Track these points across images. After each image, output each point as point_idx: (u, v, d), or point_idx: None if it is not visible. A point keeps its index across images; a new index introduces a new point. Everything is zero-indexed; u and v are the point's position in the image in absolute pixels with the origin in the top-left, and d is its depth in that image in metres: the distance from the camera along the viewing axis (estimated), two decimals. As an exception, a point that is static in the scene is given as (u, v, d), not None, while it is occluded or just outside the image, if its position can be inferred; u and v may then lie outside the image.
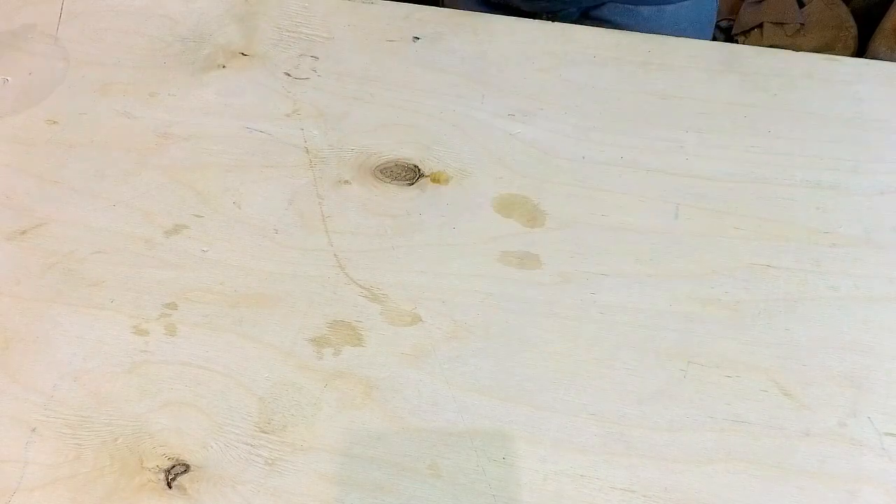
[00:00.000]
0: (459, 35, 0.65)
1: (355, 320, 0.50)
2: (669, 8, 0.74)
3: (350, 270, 0.52)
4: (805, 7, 1.36)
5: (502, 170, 0.56)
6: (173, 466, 0.45)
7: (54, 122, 0.61)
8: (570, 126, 0.59)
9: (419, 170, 0.57)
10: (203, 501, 0.44)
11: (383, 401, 0.47)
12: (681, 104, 0.59)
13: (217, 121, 0.61)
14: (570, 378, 0.47)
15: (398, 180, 0.56)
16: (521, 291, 0.51)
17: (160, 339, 0.50)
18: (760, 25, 1.36)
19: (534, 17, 0.73)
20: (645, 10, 0.74)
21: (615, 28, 0.65)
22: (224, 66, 0.64)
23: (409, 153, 0.58)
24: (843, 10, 1.36)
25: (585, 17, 0.76)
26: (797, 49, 0.63)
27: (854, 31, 1.34)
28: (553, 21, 0.66)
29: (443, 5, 0.79)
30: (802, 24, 1.33)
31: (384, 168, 0.57)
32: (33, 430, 0.47)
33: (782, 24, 1.33)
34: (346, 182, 0.56)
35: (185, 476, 0.45)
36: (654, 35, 0.63)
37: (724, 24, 1.46)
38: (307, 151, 0.58)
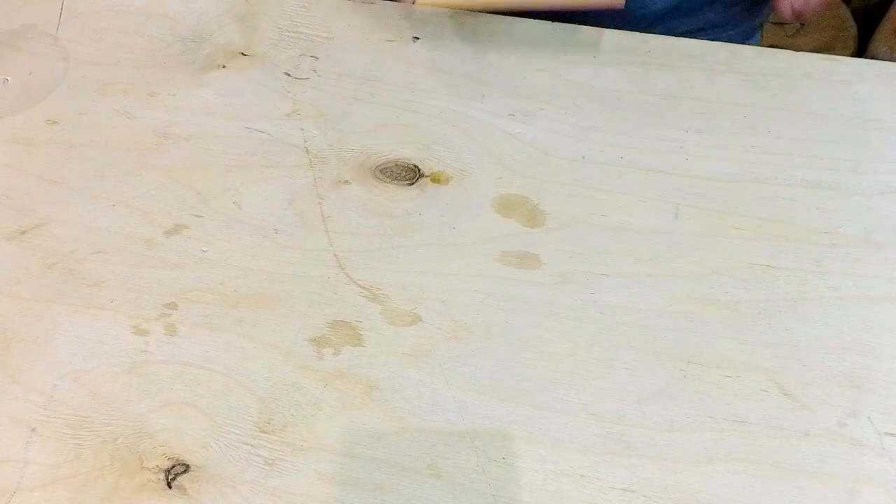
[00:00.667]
0: (459, 35, 0.65)
1: (355, 320, 0.50)
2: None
3: (350, 270, 0.52)
4: (805, 7, 1.36)
5: (502, 170, 0.56)
6: (173, 466, 0.45)
7: (54, 122, 0.61)
8: (570, 126, 0.59)
9: (419, 170, 0.57)
10: (203, 501, 0.44)
11: (383, 401, 0.47)
12: (681, 104, 0.59)
13: (217, 121, 0.61)
14: (570, 378, 0.47)
15: (398, 180, 0.56)
16: (521, 291, 0.51)
17: (160, 339, 0.50)
18: (761, 25, 1.35)
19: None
20: None
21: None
22: (224, 66, 0.64)
23: (409, 153, 0.58)
24: (843, 10, 1.36)
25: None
26: (797, 49, 0.63)
27: (854, 31, 1.34)
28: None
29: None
30: (802, 24, 1.33)
31: (384, 168, 0.57)
32: (33, 430, 0.47)
33: (782, 24, 1.33)
34: (346, 182, 0.56)
35: (185, 476, 0.45)
36: (654, 35, 0.63)
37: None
38: (307, 151, 0.58)
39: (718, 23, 0.76)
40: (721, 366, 0.47)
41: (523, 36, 0.64)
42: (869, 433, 0.45)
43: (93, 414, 0.47)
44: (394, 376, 0.48)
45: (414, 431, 0.46)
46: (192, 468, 0.45)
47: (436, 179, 0.56)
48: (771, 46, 0.63)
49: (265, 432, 0.46)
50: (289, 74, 0.63)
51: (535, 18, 0.66)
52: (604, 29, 0.64)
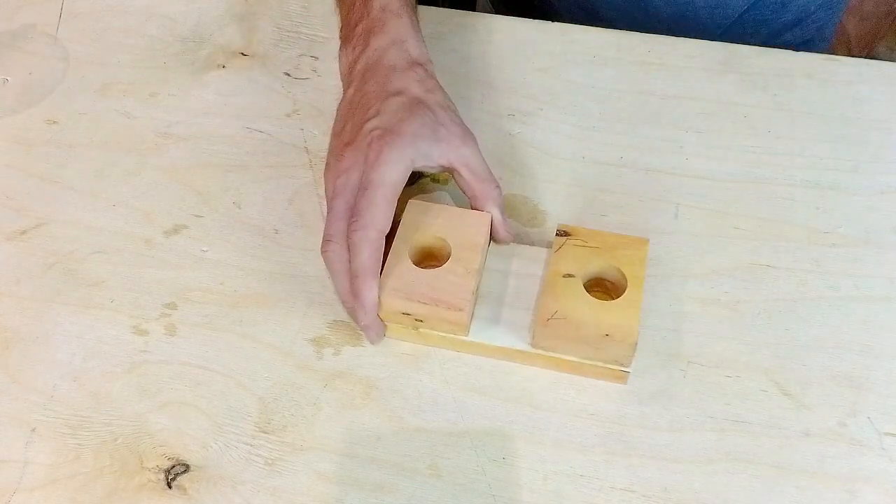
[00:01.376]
0: (459, 35, 0.65)
1: (355, 320, 0.50)
2: None
3: (350, 270, 0.52)
4: (805, 7, 1.35)
5: (502, 170, 0.56)
6: (173, 466, 0.45)
7: (54, 122, 0.61)
8: (570, 126, 0.59)
9: (419, 170, 0.57)
10: (203, 501, 0.44)
11: (383, 401, 0.47)
12: (681, 104, 0.59)
13: (217, 121, 0.61)
14: (570, 378, 0.47)
15: (398, 180, 0.56)
16: (521, 291, 0.51)
17: (160, 339, 0.50)
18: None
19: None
20: None
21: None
22: (224, 66, 0.64)
23: (409, 153, 0.58)
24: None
25: None
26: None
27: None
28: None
29: (442, 5, 0.79)
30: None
31: (384, 168, 0.57)
32: (33, 430, 0.47)
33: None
34: (346, 182, 0.56)
35: (185, 476, 0.45)
36: (654, 35, 0.63)
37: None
38: (307, 151, 0.58)
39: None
40: (721, 366, 0.47)
41: (523, 36, 0.64)
42: (869, 433, 0.45)
43: (93, 414, 0.47)
44: (394, 376, 0.48)
45: (414, 431, 0.46)
46: (192, 468, 0.45)
47: (436, 179, 0.56)
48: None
49: (265, 432, 0.46)
50: (289, 74, 0.63)
51: (534, 18, 0.66)
52: (604, 29, 0.64)
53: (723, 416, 0.45)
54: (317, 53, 0.64)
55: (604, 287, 0.48)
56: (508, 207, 0.54)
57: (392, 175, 0.47)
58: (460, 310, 0.45)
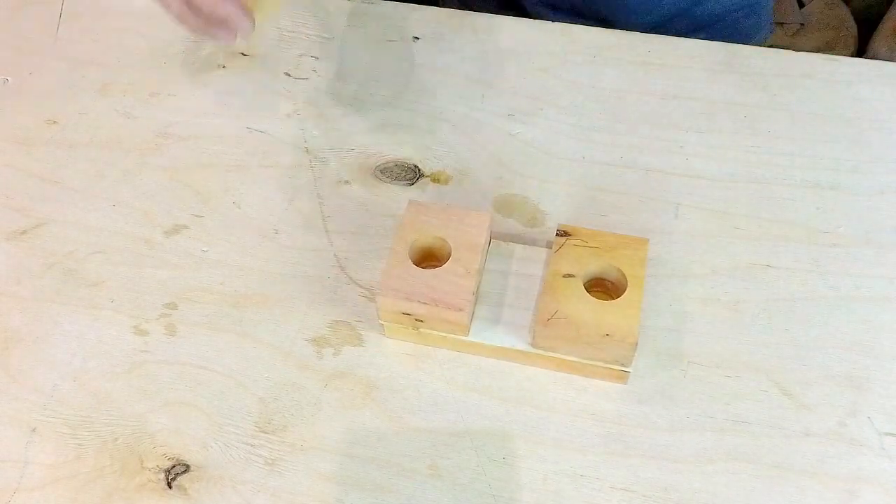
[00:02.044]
0: (459, 35, 0.65)
1: (355, 320, 0.50)
2: None
3: (350, 270, 0.52)
4: (805, 7, 1.36)
5: (502, 170, 0.56)
6: (173, 466, 0.45)
7: (54, 122, 0.61)
8: (570, 126, 0.59)
9: (419, 170, 0.57)
10: (203, 501, 0.44)
11: (383, 401, 0.47)
12: (681, 104, 0.59)
13: (217, 121, 0.61)
14: (570, 378, 0.47)
15: (398, 180, 0.56)
16: (521, 291, 0.51)
17: (160, 339, 0.50)
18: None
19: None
20: None
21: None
22: (224, 66, 0.64)
23: (408, 153, 0.58)
24: (843, 10, 1.36)
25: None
26: (797, 49, 0.63)
27: (854, 31, 1.34)
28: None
29: (443, 5, 0.79)
30: (802, 25, 1.33)
31: (384, 168, 0.57)
32: (33, 430, 0.47)
33: (782, 24, 1.33)
34: (346, 182, 0.56)
35: (185, 476, 0.45)
36: (654, 35, 0.63)
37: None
38: (307, 151, 0.58)
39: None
40: (721, 366, 0.47)
41: (523, 36, 0.64)
42: (869, 433, 0.45)
43: (93, 414, 0.47)
44: (394, 376, 0.48)
45: (414, 431, 0.46)
46: (192, 468, 0.45)
47: (436, 179, 0.56)
48: (771, 46, 0.63)
49: (265, 432, 0.46)
50: (289, 74, 0.63)
51: (534, 18, 0.66)
52: (604, 29, 0.64)
53: (723, 416, 0.45)
54: (317, 53, 0.64)
55: (604, 287, 0.48)
56: (508, 207, 0.54)
57: None
58: (460, 310, 0.45)
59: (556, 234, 0.48)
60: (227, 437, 0.46)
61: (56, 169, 0.58)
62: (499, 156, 0.57)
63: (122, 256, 0.54)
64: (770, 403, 0.46)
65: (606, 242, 0.47)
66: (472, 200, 0.55)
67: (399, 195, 0.55)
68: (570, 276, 0.46)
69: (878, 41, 1.31)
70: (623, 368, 0.46)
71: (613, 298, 0.45)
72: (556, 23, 0.65)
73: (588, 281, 0.47)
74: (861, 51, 1.34)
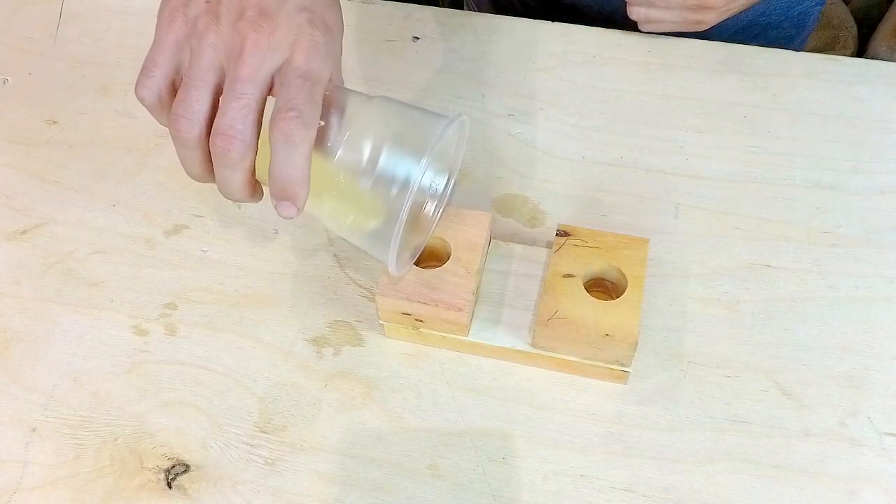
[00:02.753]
0: (459, 35, 0.65)
1: (355, 320, 0.50)
2: None
3: (350, 270, 0.52)
4: (805, 7, 1.35)
5: (502, 170, 0.56)
6: (173, 466, 0.45)
7: (54, 122, 0.61)
8: (570, 126, 0.59)
9: (419, 170, 0.57)
10: (203, 501, 0.44)
11: (383, 401, 0.47)
12: (681, 104, 0.59)
13: (217, 121, 0.60)
14: (570, 378, 0.47)
15: (398, 180, 0.56)
16: (521, 291, 0.51)
17: (160, 339, 0.50)
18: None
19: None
20: None
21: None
22: (224, 66, 0.64)
23: (409, 153, 0.58)
24: (843, 10, 1.36)
25: None
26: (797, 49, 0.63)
27: (854, 31, 1.34)
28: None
29: (441, 5, 0.79)
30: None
31: (384, 168, 0.57)
32: (33, 430, 0.47)
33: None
34: (346, 182, 0.56)
35: (185, 476, 0.45)
36: (655, 35, 0.63)
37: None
38: (307, 151, 0.58)
39: None
40: (721, 366, 0.47)
41: (523, 36, 0.64)
42: (869, 433, 0.45)
43: (93, 414, 0.47)
44: (394, 376, 0.48)
45: (414, 431, 0.46)
46: (192, 468, 0.45)
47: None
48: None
49: (265, 432, 0.46)
50: (289, 74, 0.63)
51: (534, 18, 0.66)
52: (604, 29, 0.64)
53: (723, 416, 0.45)
54: (317, 53, 0.64)
55: (604, 287, 0.48)
56: (508, 207, 0.54)
57: (326, 75, 0.41)
58: (460, 310, 0.45)
59: (556, 234, 0.48)
60: (226, 437, 0.46)
61: (56, 169, 0.58)
62: (499, 156, 0.57)
63: (122, 256, 0.54)
64: (770, 403, 0.46)
65: (606, 242, 0.47)
66: (472, 200, 0.55)
67: (399, 195, 0.55)
68: (570, 276, 0.46)
69: (878, 41, 1.31)
70: (623, 368, 0.46)
71: (613, 298, 0.45)
72: (556, 23, 0.65)
73: (588, 281, 0.47)
74: (861, 51, 1.34)
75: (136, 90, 0.42)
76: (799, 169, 0.56)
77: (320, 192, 0.41)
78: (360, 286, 0.51)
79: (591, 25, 0.64)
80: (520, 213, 0.54)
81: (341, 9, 0.44)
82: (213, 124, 0.39)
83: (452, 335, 0.47)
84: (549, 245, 0.50)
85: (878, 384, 0.46)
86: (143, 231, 0.55)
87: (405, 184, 0.40)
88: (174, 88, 0.41)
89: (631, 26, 0.63)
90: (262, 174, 0.41)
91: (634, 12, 0.61)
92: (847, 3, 1.39)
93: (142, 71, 0.42)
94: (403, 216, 0.39)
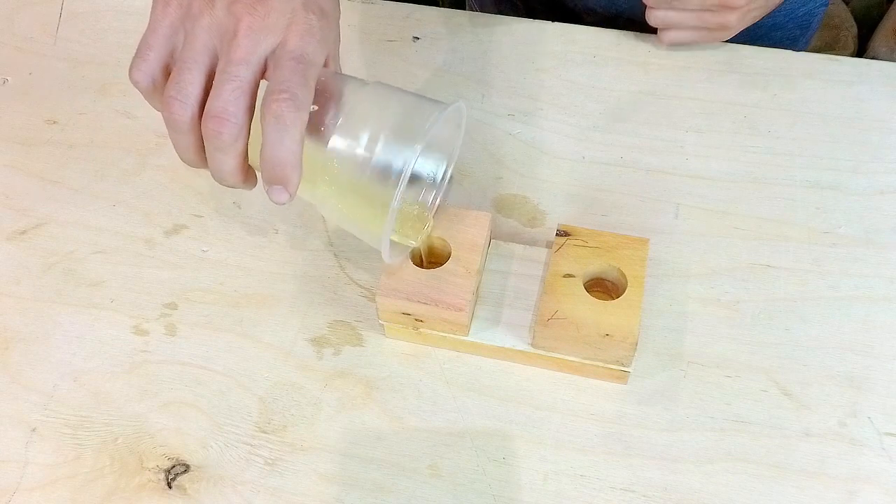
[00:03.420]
0: (459, 35, 0.65)
1: (355, 320, 0.50)
2: None
3: (350, 270, 0.52)
4: (805, 7, 1.35)
5: (502, 170, 0.56)
6: (173, 466, 0.45)
7: (54, 122, 0.61)
8: (570, 126, 0.59)
9: (419, 170, 0.57)
10: (203, 501, 0.44)
11: (383, 401, 0.47)
12: (681, 104, 0.59)
13: (217, 121, 0.60)
14: (570, 378, 0.47)
15: (398, 180, 0.56)
16: (521, 291, 0.51)
17: (160, 339, 0.50)
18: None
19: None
20: None
21: None
22: (224, 66, 0.64)
23: (409, 153, 0.58)
24: (843, 10, 1.36)
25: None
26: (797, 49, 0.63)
27: (854, 31, 1.34)
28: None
29: (441, 5, 0.79)
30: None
31: (384, 168, 0.57)
32: (33, 430, 0.47)
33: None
34: (346, 182, 0.56)
35: (185, 476, 0.45)
36: (655, 35, 0.63)
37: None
38: (307, 151, 0.58)
39: None
40: (721, 366, 0.47)
41: (523, 36, 0.64)
42: (869, 433, 0.45)
43: (93, 414, 0.47)
44: (394, 376, 0.48)
45: (414, 431, 0.46)
46: (192, 468, 0.45)
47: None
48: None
49: (265, 432, 0.46)
50: (289, 74, 0.63)
51: (535, 18, 0.66)
52: (604, 29, 0.64)
53: (723, 416, 0.45)
54: (317, 53, 0.64)
55: (604, 287, 0.48)
56: (508, 207, 0.54)
57: (321, 60, 0.40)
58: (460, 310, 0.45)
59: (556, 234, 0.48)
60: (227, 437, 0.46)
61: (56, 169, 0.58)
62: (499, 156, 0.57)
63: (122, 256, 0.54)
64: (770, 403, 0.46)
65: (606, 242, 0.47)
66: (472, 200, 0.55)
67: (399, 195, 0.55)
68: (570, 276, 0.46)
69: (878, 41, 1.31)
70: (623, 368, 0.46)
71: (613, 298, 0.45)
72: (556, 23, 0.65)
73: (588, 281, 0.47)
74: (861, 51, 1.34)
75: (129, 73, 0.41)
76: (799, 169, 0.56)
77: (314, 177, 0.41)
78: (360, 286, 0.51)
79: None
80: (520, 213, 0.54)
81: None
82: (206, 106, 0.39)
83: (452, 335, 0.47)
84: (549, 245, 0.50)
85: (878, 384, 0.46)
86: (143, 231, 0.55)
87: (399, 169, 0.40)
88: (168, 72, 0.41)
89: (635, 30, 0.63)
90: (254, 159, 0.41)
91: (653, 17, 0.59)
92: (847, 4, 1.39)
93: (136, 54, 0.41)
94: (396, 203, 0.39)
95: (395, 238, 0.46)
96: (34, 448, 0.46)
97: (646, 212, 0.54)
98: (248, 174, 0.42)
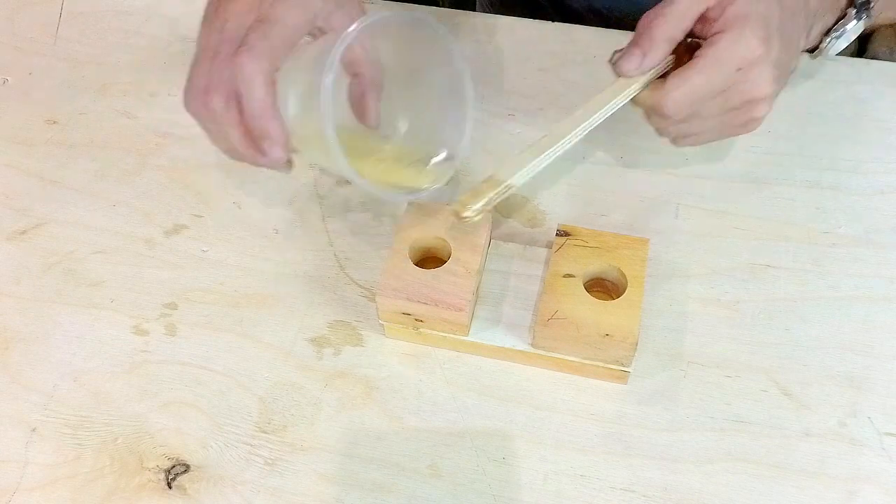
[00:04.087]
0: (459, 35, 0.65)
1: (355, 320, 0.50)
2: None
3: (350, 270, 0.52)
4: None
5: (502, 170, 0.56)
6: (173, 466, 0.45)
7: (54, 122, 0.61)
8: (570, 126, 0.58)
9: (419, 170, 0.57)
10: (203, 501, 0.44)
11: (383, 401, 0.47)
12: (681, 104, 0.59)
13: (217, 121, 0.60)
14: (570, 378, 0.47)
15: (398, 180, 0.56)
16: (521, 291, 0.51)
17: (160, 339, 0.50)
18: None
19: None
20: None
21: None
22: (224, 66, 0.64)
23: (409, 153, 0.58)
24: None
25: None
26: (797, 49, 0.63)
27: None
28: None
29: (441, 5, 0.79)
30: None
31: (384, 168, 0.57)
32: (33, 430, 0.47)
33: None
34: (347, 182, 0.56)
35: (185, 476, 0.45)
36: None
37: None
38: (307, 151, 0.58)
39: None
40: (721, 366, 0.47)
41: (523, 36, 0.64)
42: (869, 433, 0.45)
43: (93, 414, 0.47)
44: (394, 376, 0.48)
45: (414, 431, 0.46)
46: (192, 468, 0.45)
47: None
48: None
49: (265, 432, 0.46)
50: (289, 74, 0.63)
51: (535, 18, 0.66)
52: (604, 29, 0.64)
53: (723, 416, 0.45)
54: (317, 53, 0.64)
55: (604, 287, 0.48)
56: (508, 207, 0.54)
57: (293, 17, 0.42)
58: (460, 310, 0.45)
59: (556, 234, 0.48)
60: (227, 437, 0.46)
61: (56, 169, 0.58)
62: (499, 156, 0.57)
63: (122, 256, 0.54)
64: (770, 403, 0.46)
65: (606, 242, 0.47)
66: (472, 200, 0.55)
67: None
68: (570, 276, 0.46)
69: (878, 41, 1.31)
70: (623, 368, 0.46)
71: (613, 298, 0.45)
72: (556, 23, 0.65)
73: (588, 281, 0.47)
74: (861, 51, 1.34)
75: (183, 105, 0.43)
76: (799, 169, 0.56)
77: (308, 142, 0.42)
78: (360, 286, 0.51)
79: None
80: (520, 213, 0.54)
81: None
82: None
83: (452, 335, 0.47)
84: (549, 245, 0.50)
85: (878, 384, 0.46)
86: (143, 231, 0.55)
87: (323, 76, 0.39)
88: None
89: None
90: (299, 146, 0.43)
91: (667, 136, 0.49)
92: (847, 3, 1.39)
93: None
94: (331, 70, 0.38)
95: (403, 181, 0.46)
96: (34, 448, 0.46)
97: (646, 212, 0.54)
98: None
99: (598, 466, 0.44)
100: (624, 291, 0.45)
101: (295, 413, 0.46)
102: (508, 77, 0.62)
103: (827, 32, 0.52)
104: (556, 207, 0.54)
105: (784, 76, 0.46)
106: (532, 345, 0.46)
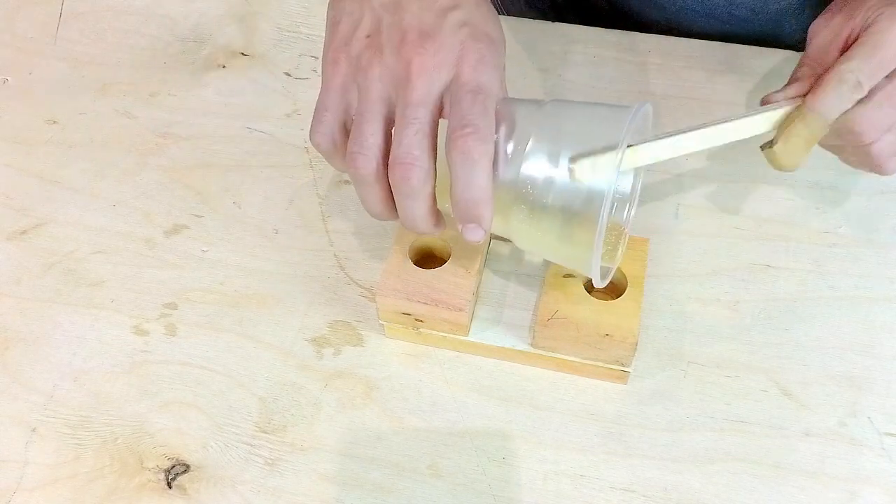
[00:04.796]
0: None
1: (355, 320, 0.50)
2: None
3: (350, 270, 0.52)
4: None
5: (502, 170, 0.56)
6: (173, 466, 0.45)
7: (54, 122, 0.61)
8: (570, 126, 0.59)
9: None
10: (203, 501, 0.44)
11: (383, 401, 0.47)
12: (681, 104, 0.59)
13: (217, 121, 0.61)
14: (570, 378, 0.47)
15: (398, 180, 0.56)
16: (521, 291, 0.51)
17: (160, 339, 0.50)
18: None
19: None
20: None
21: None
22: (224, 66, 0.64)
23: (409, 153, 0.57)
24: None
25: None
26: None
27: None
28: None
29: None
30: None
31: (384, 168, 0.57)
32: (33, 430, 0.47)
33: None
34: (346, 182, 0.56)
35: (185, 476, 0.45)
36: (655, 35, 0.63)
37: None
38: (307, 151, 0.58)
39: None
40: (721, 366, 0.47)
41: (523, 36, 0.64)
42: (869, 433, 0.45)
43: (93, 414, 0.47)
44: (394, 376, 0.48)
45: (414, 431, 0.46)
46: (192, 468, 0.45)
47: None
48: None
49: (265, 432, 0.46)
50: (289, 74, 0.63)
51: (534, 18, 0.66)
52: (604, 29, 0.64)
53: (723, 416, 0.45)
54: (317, 53, 0.64)
55: (604, 287, 0.48)
56: (508, 207, 0.54)
57: (496, 88, 0.40)
58: (460, 310, 0.45)
59: None
60: (227, 437, 0.46)
61: (56, 169, 0.58)
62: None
63: (122, 256, 0.54)
64: (770, 403, 0.46)
65: (606, 242, 0.47)
66: (472, 200, 0.55)
67: (399, 195, 0.55)
68: (570, 276, 0.46)
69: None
70: (623, 368, 0.46)
71: (613, 298, 0.45)
72: (556, 23, 0.65)
73: (588, 281, 0.47)
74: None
75: (311, 137, 0.41)
76: (799, 169, 0.55)
77: (506, 208, 0.40)
78: (360, 286, 0.51)
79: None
80: (520, 213, 0.54)
81: (500, 21, 0.43)
82: (391, 155, 0.39)
83: (452, 335, 0.47)
84: (549, 245, 0.50)
85: (878, 384, 0.46)
86: (143, 231, 0.55)
87: (600, 189, 0.37)
88: (347, 130, 0.41)
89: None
90: (441, 201, 0.40)
91: (878, 155, 0.46)
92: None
93: (314, 117, 0.41)
94: (604, 220, 0.37)
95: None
96: (34, 448, 0.46)
97: (646, 212, 0.54)
98: (438, 217, 0.41)
99: (598, 466, 0.44)
100: (624, 291, 0.45)
101: (295, 413, 0.47)
102: (508, 77, 0.61)
103: None
104: (556, 207, 0.54)
105: None
106: (532, 345, 0.46)
